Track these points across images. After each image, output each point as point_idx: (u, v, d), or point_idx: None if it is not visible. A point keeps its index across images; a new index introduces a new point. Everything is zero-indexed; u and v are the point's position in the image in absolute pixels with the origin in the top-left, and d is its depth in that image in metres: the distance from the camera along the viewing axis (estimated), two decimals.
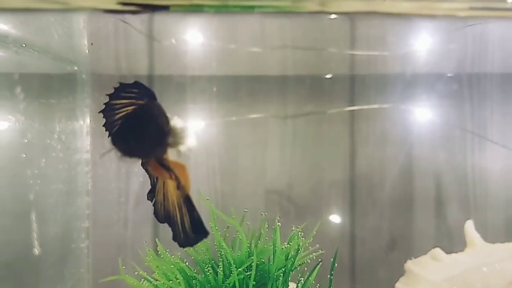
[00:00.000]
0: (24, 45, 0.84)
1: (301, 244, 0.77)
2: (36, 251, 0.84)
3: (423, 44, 1.13)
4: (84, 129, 1.04)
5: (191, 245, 0.61)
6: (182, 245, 0.60)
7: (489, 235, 0.86)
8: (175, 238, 0.60)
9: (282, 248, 0.76)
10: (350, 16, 1.08)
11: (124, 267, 0.79)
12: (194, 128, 1.10)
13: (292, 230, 0.80)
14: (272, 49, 1.11)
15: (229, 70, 1.13)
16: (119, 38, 1.07)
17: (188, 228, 0.58)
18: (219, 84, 1.12)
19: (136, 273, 0.79)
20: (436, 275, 0.81)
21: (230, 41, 1.09)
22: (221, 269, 0.73)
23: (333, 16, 0.95)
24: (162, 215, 0.62)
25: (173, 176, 0.57)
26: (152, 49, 1.09)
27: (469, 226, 0.88)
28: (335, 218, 1.13)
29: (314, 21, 1.11)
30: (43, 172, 0.94)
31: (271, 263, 0.74)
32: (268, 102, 1.14)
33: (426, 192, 1.15)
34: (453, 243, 1.13)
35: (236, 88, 1.13)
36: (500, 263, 0.81)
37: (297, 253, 0.76)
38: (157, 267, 0.77)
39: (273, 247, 0.74)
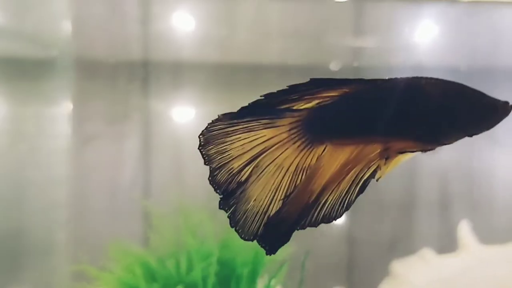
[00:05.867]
0: None
1: None
2: None
3: (430, 35, 1.08)
4: (65, 116, 1.02)
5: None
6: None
7: (494, 237, 0.84)
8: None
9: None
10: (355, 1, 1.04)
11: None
12: (188, 115, 1.07)
13: None
14: (272, 36, 1.07)
15: (226, 57, 1.09)
16: (110, 20, 1.04)
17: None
18: (215, 71, 1.08)
19: (100, 264, 0.76)
20: (421, 277, 0.76)
21: (227, 27, 1.06)
22: (184, 262, 0.69)
23: None
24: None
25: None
26: (147, 33, 1.05)
27: (463, 227, 0.83)
28: None
29: (317, 6, 1.07)
30: (21, 160, 0.93)
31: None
32: (265, 92, 1.10)
33: (428, 192, 1.10)
34: (456, 245, 1.08)
35: (233, 76, 1.09)
36: (493, 267, 0.76)
37: None
38: (120, 260, 0.74)
39: (239, 242, 0.70)
